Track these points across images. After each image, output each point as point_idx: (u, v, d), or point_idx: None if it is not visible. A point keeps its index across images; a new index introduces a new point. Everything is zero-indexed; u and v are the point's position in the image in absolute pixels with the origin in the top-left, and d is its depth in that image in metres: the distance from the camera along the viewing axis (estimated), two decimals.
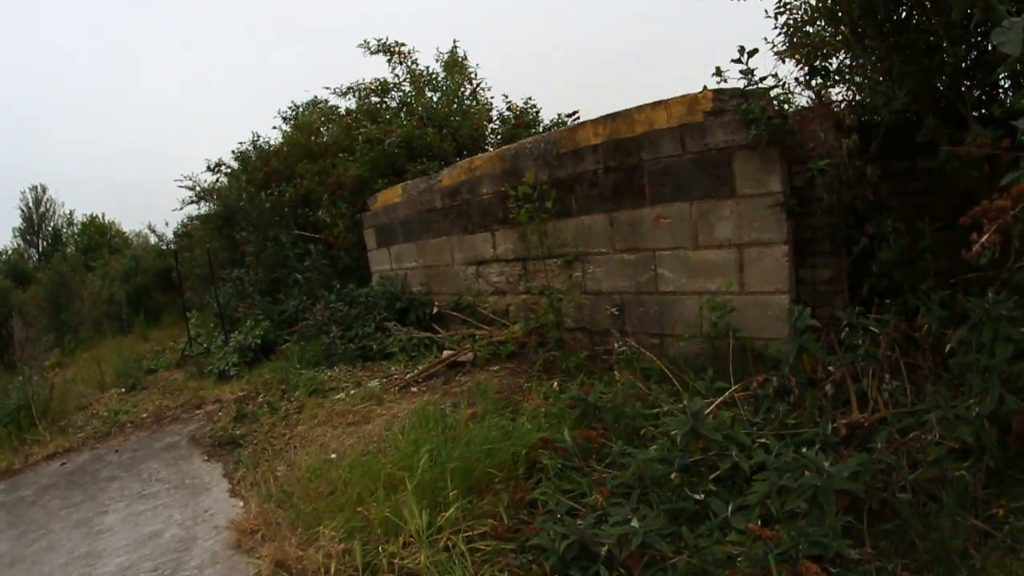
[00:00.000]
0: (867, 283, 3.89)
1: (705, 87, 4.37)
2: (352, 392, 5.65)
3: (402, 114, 9.91)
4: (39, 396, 6.72)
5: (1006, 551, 2.26)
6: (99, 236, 24.04)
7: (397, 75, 10.44)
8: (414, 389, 5.55)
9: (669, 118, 4.63)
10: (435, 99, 10.06)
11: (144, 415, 6.63)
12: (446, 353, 6.25)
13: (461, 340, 6.57)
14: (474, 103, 10.31)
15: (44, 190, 26.41)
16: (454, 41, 10.84)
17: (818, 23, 4.40)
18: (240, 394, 6.53)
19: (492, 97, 10.56)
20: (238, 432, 5.19)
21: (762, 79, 4.01)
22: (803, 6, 4.42)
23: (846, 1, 3.83)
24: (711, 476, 2.89)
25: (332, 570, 2.73)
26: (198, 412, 6.42)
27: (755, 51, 3.93)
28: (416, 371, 5.94)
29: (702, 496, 2.71)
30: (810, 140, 4.00)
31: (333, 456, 4.08)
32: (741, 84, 4.12)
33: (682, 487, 2.82)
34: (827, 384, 3.35)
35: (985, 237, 1.79)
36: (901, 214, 3.86)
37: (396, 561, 2.72)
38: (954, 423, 2.63)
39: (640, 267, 5.04)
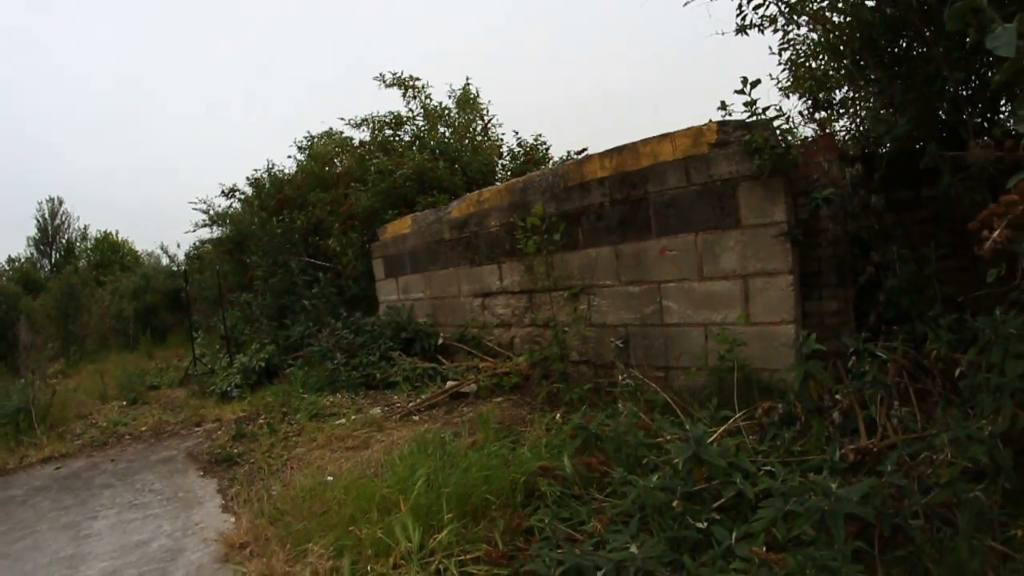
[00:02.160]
0: (874, 312, 3.85)
1: (711, 120, 4.44)
2: (353, 418, 5.60)
3: (414, 147, 10.12)
4: (39, 401, 6.75)
5: None
6: (111, 253, 24.26)
7: (411, 109, 10.75)
8: (416, 418, 5.50)
9: (674, 150, 4.69)
10: (447, 134, 10.29)
11: (143, 428, 6.59)
12: (449, 383, 6.22)
13: (465, 371, 6.54)
14: (485, 139, 10.56)
15: (60, 202, 26.79)
16: (467, 78, 11.24)
17: (821, 57, 4.47)
18: (241, 415, 6.49)
19: (503, 134, 10.93)
20: (236, 450, 5.14)
21: (764, 110, 4.06)
22: (806, 41, 4.50)
23: (847, 34, 3.89)
24: (715, 504, 2.80)
25: None
26: (197, 429, 6.39)
27: (758, 82, 3.96)
28: (419, 400, 5.90)
29: (705, 524, 2.62)
30: (814, 172, 4.02)
31: (330, 479, 4.02)
32: (745, 117, 4.18)
33: (684, 515, 2.72)
34: (834, 412, 3.28)
35: (997, 232, 1.81)
36: (907, 243, 3.85)
37: None
38: (966, 444, 2.55)
39: (645, 299, 5.04)
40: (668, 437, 3.59)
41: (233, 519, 3.71)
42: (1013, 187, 1.92)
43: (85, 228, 27.05)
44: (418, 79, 10.61)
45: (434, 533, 2.93)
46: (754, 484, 2.82)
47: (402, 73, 10.53)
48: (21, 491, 4.95)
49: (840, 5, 3.93)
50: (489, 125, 10.80)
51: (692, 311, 4.69)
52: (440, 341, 7.46)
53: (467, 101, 10.70)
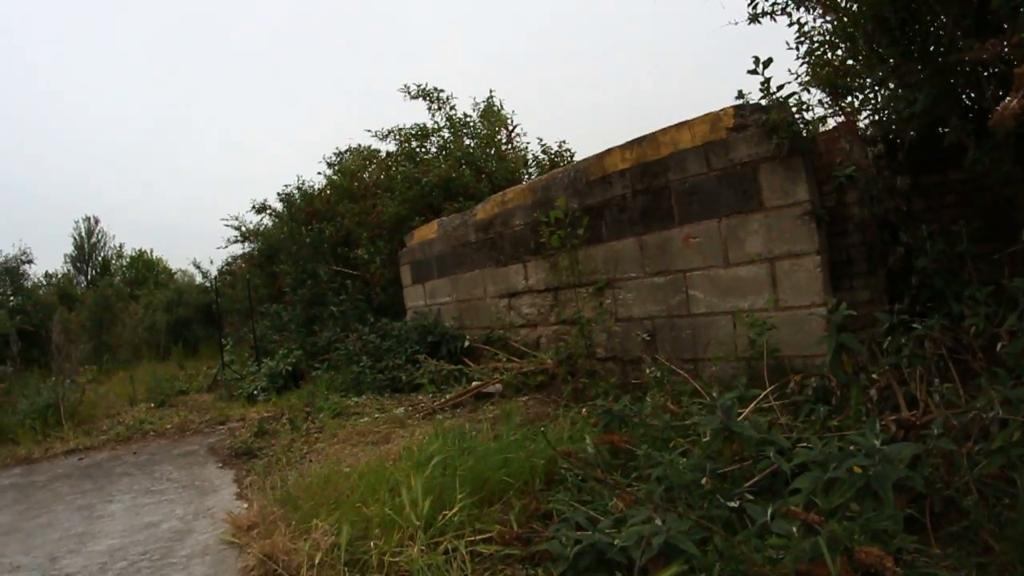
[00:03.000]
0: (908, 296, 3.73)
1: (728, 105, 4.39)
2: (376, 416, 5.57)
3: (440, 158, 10.26)
4: (69, 399, 6.93)
5: None
6: (146, 271, 24.63)
7: (436, 122, 10.89)
8: (439, 416, 5.42)
9: (693, 137, 4.68)
10: (472, 145, 10.41)
11: (168, 426, 6.70)
12: (474, 384, 6.14)
13: (491, 372, 6.46)
14: (510, 148, 10.68)
15: (96, 221, 27.11)
16: (490, 91, 11.47)
17: (837, 47, 4.40)
18: (265, 415, 6.51)
19: (528, 143, 11.11)
20: (256, 445, 5.15)
21: (779, 87, 4.02)
22: (821, 32, 4.41)
23: (858, 17, 3.85)
24: (747, 484, 2.58)
25: (317, 561, 2.55)
26: (221, 428, 6.45)
27: (770, 60, 3.91)
28: (443, 400, 5.85)
29: (737, 503, 2.40)
30: (836, 157, 3.97)
31: (347, 469, 3.94)
32: (761, 100, 4.17)
33: (714, 494, 2.51)
34: (871, 390, 3.09)
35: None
36: (938, 227, 3.74)
37: (387, 558, 2.52)
38: (1018, 405, 2.32)
39: (671, 290, 4.95)
40: (696, 418, 3.39)
41: (246, 505, 3.67)
42: None
43: (120, 246, 27.41)
44: (442, 91, 10.78)
45: (445, 511, 2.80)
46: (789, 460, 2.59)
47: (426, 85, 10.71)
48: (43, 477, 5.06)
49: None
50: (514, 135, 10.94)
51: (719, 299, 4.57)
52: (466, 344, 7.41)
53: (491, 112, 10.83)
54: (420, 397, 6.29)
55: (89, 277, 25.01)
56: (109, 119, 49.02)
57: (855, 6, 3.91)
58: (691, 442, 3.17)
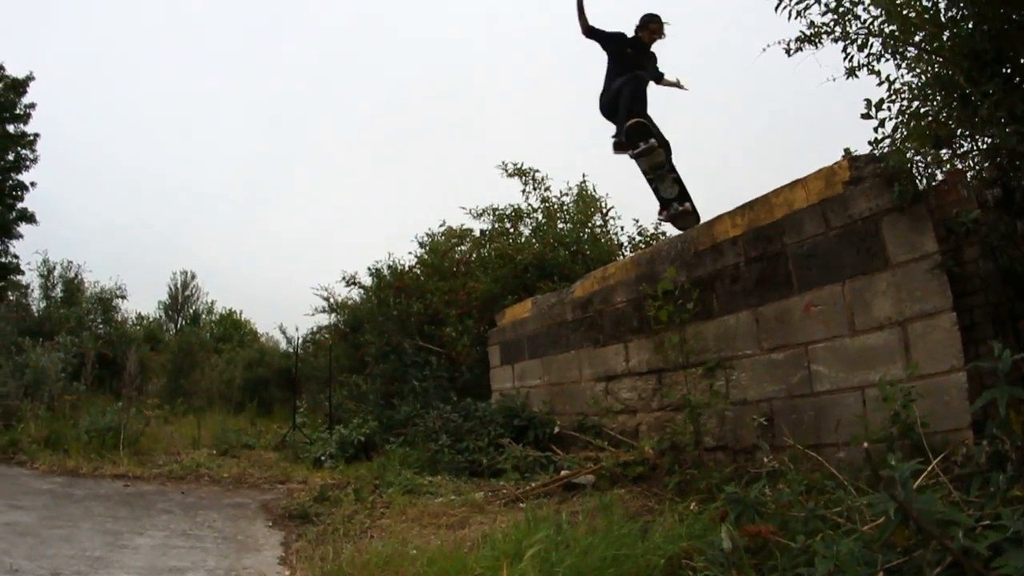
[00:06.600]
0: None
1: (842, 157, 4.19)
2: (452, 498, 5.03)
3: (534, 238, 10.16)
4: (131, 427, 6.95)
5: None
6: (234, 329, 25.05)
7: (531, 204, 10.89)
8: (522, 505, 4.77)
9: (808, 195, 4.37)
10: (566, 229, 10.27)
11: (225, 475, 6.42)
12: (563, 472, 5.50)
13: (582, 461, 5.83)
14: (604, 231, 10.48)
15: (193, 276, 28.24)
16: (583, 175, 11.33)
17: (932, 99, 4.04)
18: (330, 481, 6.08)
19: (623, 227, 10.70)
20: (314, 510, 4.66)
21: (895, 129, 3.78)
22: (912, 85, 4.10)
23: (953, 55, 3.63)
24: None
25: None
26: (280, 486, 6.07)
27: (881, 102, 3.73)
28: (527, 488, 5.26)
29: None
30: (951, 209, 3.68)
31: (413, 552, 3.29)
32: (872, 150, 4.00)
33: None
34: None
35: None
36: None
37: None
38: None
39: (791, 366, 4.42)
40: (849, 503, 2.74)
41: (288, 572, 3.17)
42: None
43: (212, 303, 28.23)
44: (537, 170, 10.85)
45: None
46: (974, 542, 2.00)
47: (522, 164, 10.82)
48: (82, 492, 4.98)
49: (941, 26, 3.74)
50: (608, 218, 10.74)
51: (846, 373, 4.02)
52: (556, 430, 6.83)
53: (585, 195, 10.75)
54: (502, 483, 5.70)
55: (179, 326, 25.89)
56: (213, 188, 53.28)
57: (948, 44, 3.72)
58: (844, 533, 2.51)
